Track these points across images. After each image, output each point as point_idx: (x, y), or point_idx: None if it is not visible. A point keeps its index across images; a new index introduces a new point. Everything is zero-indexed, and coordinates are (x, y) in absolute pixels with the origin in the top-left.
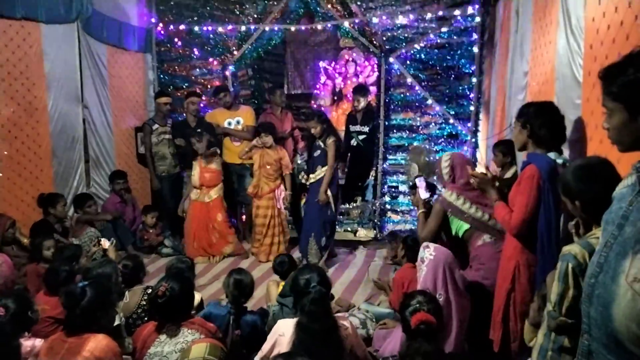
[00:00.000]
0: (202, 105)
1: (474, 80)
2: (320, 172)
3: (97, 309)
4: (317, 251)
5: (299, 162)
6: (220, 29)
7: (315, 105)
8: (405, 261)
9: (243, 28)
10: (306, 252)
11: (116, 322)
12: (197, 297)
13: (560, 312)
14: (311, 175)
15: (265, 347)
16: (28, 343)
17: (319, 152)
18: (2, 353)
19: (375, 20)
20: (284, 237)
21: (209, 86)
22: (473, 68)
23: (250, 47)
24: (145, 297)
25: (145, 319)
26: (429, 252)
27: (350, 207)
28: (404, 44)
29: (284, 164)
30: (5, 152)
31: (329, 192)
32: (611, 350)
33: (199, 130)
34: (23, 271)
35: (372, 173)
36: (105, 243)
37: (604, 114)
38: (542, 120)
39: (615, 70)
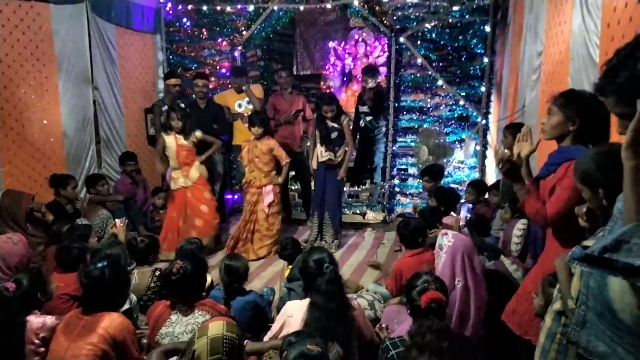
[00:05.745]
0: (211, 87)
1: (486, 60)
2: (341, 153)
3: (116, 289)
4: (333, 233)
5: (308, 144)
6: (228, 9)
7: (324, 87)
8: (405, 248)
9: (251, 8)
10: (322, 230)
11: (127, 305)
12: (208, 279)
13: None
14: (337, 155)
15: (274, 328)
16: (39, 320)
17: (336, 133)
18: (6, 328)
19: None
20: (259, 240)
21: (218, 67)
22: (485, 48)
23: (259, 27)
24: (155, 279)
25: (156, 301)
26: (447, 239)
27: (359, 189)
28: (414, 23)
29: (277, 154)
30: (18, 134)
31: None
32: (604, 319)
33: (182, 107)
34: (38, 250)
35: (381, 155)
36: (119, 223)
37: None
38: (594, 116)
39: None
